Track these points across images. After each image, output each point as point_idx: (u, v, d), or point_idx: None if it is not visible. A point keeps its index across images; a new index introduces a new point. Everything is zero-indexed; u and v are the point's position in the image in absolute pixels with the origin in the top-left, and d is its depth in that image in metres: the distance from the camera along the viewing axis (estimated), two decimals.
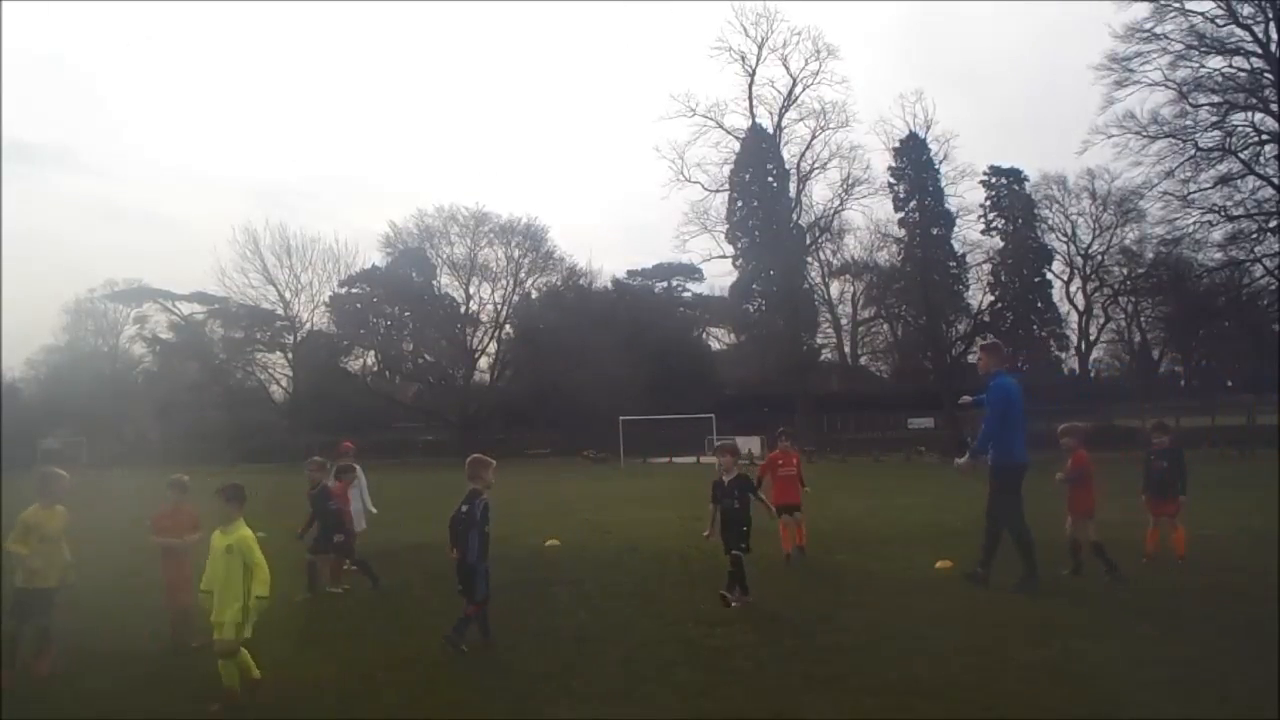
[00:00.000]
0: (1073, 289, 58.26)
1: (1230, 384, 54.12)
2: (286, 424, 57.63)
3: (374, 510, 11.05)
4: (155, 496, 8.00)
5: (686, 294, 67.79)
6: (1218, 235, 39.98)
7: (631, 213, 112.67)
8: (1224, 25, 36.35)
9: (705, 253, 60.68)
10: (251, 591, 5.27)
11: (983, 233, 54.37)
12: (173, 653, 6.61)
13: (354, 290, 59.27)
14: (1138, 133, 38.44)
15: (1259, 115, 37.03)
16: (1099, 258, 56.34)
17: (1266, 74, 36.11)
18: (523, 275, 57.30)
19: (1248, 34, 36.25)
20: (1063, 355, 60.21)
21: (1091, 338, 59.37)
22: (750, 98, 50.44)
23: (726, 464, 7.84)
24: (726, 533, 7.66)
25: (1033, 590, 7.76)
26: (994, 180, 55.38)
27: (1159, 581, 8.15)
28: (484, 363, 59.32)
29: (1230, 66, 37.09)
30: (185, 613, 6.80)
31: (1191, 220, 39.53)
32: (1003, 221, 55.14)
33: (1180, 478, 9.35)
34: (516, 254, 56.87)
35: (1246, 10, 35.83)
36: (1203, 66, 37.25)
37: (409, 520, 15.63)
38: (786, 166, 50.78)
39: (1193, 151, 37.91)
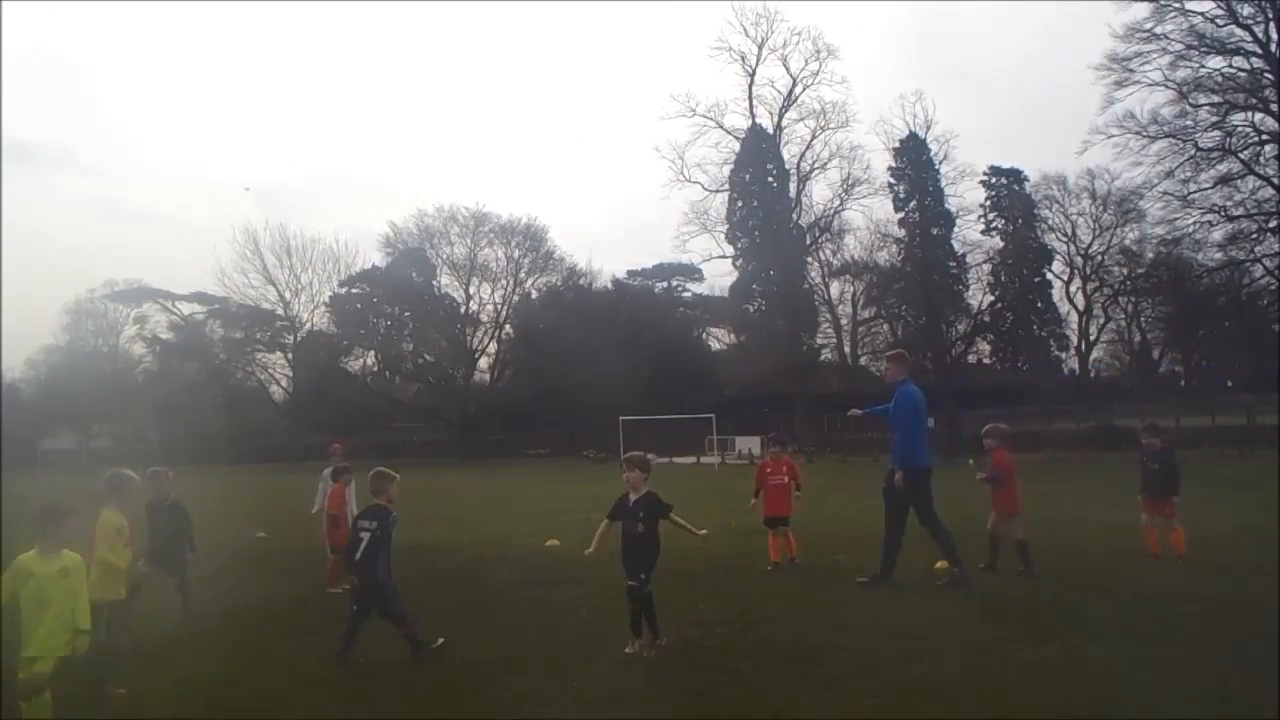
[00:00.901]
0: (1073, 289, 58.41)
1: (1230, 384, 54.15)
2: (287, 424, 57.68)
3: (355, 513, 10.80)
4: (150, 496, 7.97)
5: (686, 294, 67.86)
6: (1218, 235, 39.99)
7: (631, 213, 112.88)
8: (1224, 25, 36.34)
9: (705, 253, 60.80)
10: (74, 625, 4.63)
11: (983, 233, 54.46)
12: (171, 654, 6.61)
13: (354, 290, 59.29)
14: (1138, 133, 38.44)
15: (1259, 115, 37.02)
16: (1099, 258, 56.46)
17: (1266, 74, 36.09)
18: (523, 275, 57.41)
19: (1248, 34, 36.24)
20: (1063, 355, 60.32)
21: (1091, 338, 59.50)
22: (750, 98, 50.50)
23: (633, 480, 6.47)
24: (626, 559, 6.41)
25: (876, 587, 8.28)
26: (994, 180, 55.45)
27: (1159, 582, 8.14)
28: (484, 363, 59.45)
29: (1230, 66, 37.09)
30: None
31: (1191, 220, 39.53)
32: (1003, 221, 55.19)
33: (1173, 479, 9.38)
34: (516, 254, 56.96)
35: (1246, 10, 35.83)
36: (1203, 66, 37.26)
37: (410, 521, 15.60)
38: (786, 166, 50.82)
39: (1193, 151, 37.89)
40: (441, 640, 6.25)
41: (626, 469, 6.54)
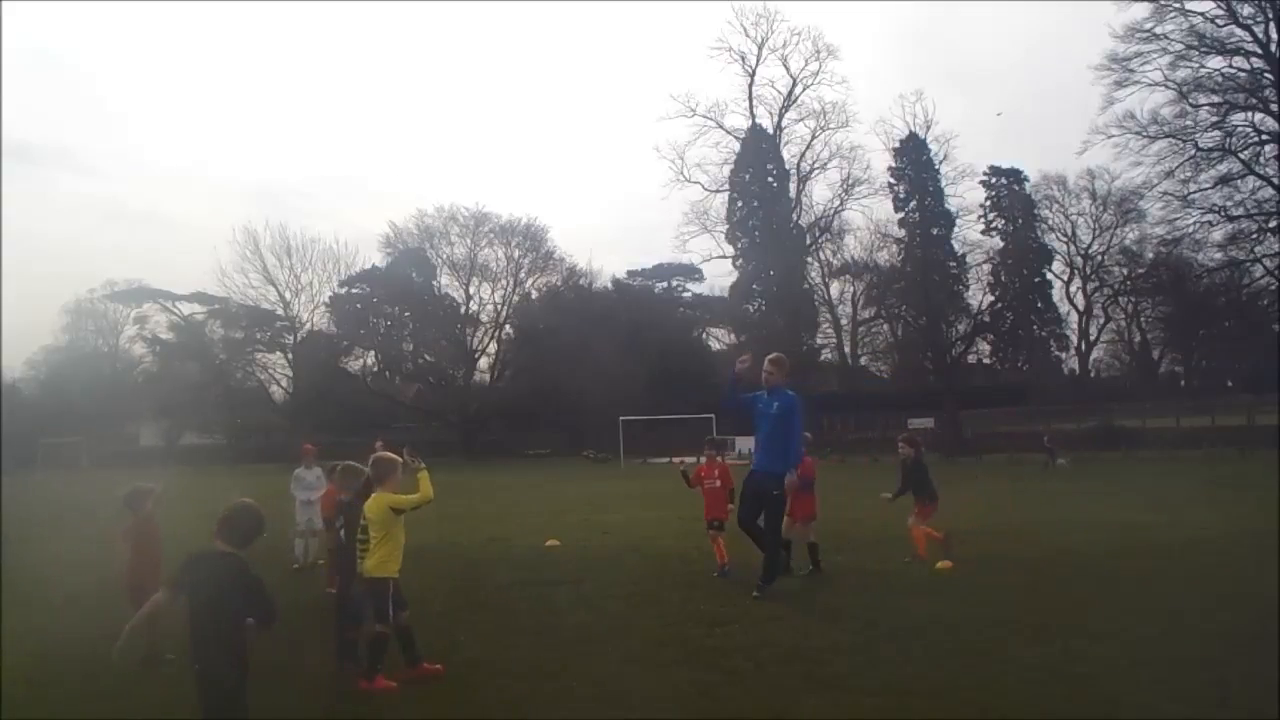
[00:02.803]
0: (1073, 289, 58.44)
1: (1230, 384, 54.12)
2: (287, 424, 57.60)
3: None
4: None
5: (686, 294, 67.79)
6: (1218, 235, 40.06)
7: (631, 213, 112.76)
8: (1224, 25, 36.40)
9: (705, 253, 61.02)
10: None
11: (983, 233, 54.46)
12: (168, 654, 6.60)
13: (354, 290, 59.30)
14: (1138, 133, 38.50)
15: (1259, 115, 37.05)
16: (1099, 258, 56.47)
17: (1266, 74, 36.11)
18: (523, 275, 57.39)
19: (1248, 34, 36.30)
20: (1063, 355, 60.39)
21: (1091, 338, 59.52)
22: (750, 98, 50.63)
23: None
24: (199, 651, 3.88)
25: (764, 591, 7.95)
26: (994, 180, 55.46)
27: (1158, 582, 8.15)
28: (484, 363, 59.42)
29: (1230, 66, 37.15)
30: None
31: (1191, 220, 39.58)
32: (1003, 221, 55.20)
33: (917, 484, 9.75)
34: (516, 254, 56.94)
35: (1246, 10, 35.89)
36: (1203, 66, 37.32)
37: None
38: (786, 167, 50.90)
39: (1193, 151, 37.93)
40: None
41: (216, 530, 4.07)
